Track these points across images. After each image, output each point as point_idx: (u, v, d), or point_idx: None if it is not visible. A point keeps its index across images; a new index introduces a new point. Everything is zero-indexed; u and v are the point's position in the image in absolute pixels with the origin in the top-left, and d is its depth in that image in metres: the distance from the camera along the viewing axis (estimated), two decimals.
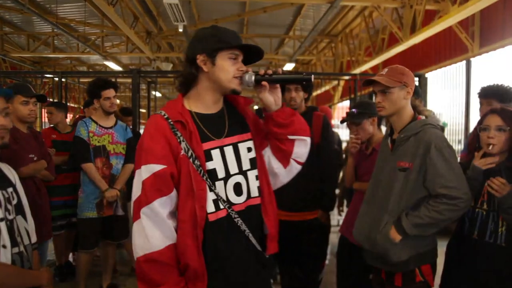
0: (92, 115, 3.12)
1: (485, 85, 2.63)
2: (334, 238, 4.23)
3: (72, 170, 3.27)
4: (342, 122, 2.66)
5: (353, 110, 2.45)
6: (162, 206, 1.24)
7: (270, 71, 1.37)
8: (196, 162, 1.27)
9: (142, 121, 6.30)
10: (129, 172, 3.13)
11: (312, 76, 1.43)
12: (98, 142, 3.01)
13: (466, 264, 1.86)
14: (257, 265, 1.39)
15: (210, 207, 1.29)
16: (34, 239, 1.56)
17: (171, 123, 1.29)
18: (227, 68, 1.33)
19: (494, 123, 1.76)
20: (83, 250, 3.05)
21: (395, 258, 1.73)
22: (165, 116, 1.30)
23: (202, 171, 1.27)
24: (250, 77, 1.36)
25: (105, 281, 3.27)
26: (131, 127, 4.15)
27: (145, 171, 1.25)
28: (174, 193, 1.27)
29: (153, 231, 1.23)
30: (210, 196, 1.29)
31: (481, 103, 2.65)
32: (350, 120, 2.45)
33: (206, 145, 1.32)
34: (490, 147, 1.75)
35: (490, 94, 2.56)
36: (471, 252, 1.85)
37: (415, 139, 1.72)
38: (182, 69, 1.41)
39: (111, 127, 3.11)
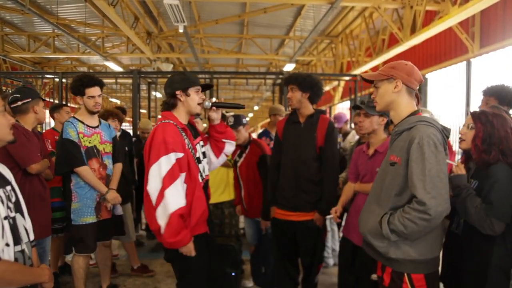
0: (76, 114, 2.92)
1: (491, 84, 2.68)
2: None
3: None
4: (354, 108, 2.65)
5: (370, 101, 2.44)
6: (182, 179, 1.99)
7: (217, 100, 2.28)
8: (192, 151, 2.09)
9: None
10: (120, 171, 3.05)
11: (244, 106, 2.30)
12: (89, 142, 2.85)
13: (444, 255, 1.99)
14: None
15: (201, 178, 2.14)
16: (32, 236, 1.57)
17: (179, 128, 2.06)
18: (195, 98, 2.12)
19: (467, 122, 1.95)
20: (81, 253, 2.87)
21: (381, 250, 1.71)
22: (174, 124, 2.06)
23: (195, 157, 2.12)
24: (208, 104, 2.21)
25: (104, 282, 3.24)
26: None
27: (174, 157, 1.96)
28: (185, 173, 2.00)
29: (184, 192, 1.99)
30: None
31: (482, 101, 2.69)
32: (365, 108, 2.44)
33: (195, 141, 2.16)
34: (461, 142, 1.96)
35: (489, 92, 2.62)
36: (446, 242, 1.96)
37: (407, 134, 1.65)
38: (168, 97, 2.13)
39: (97, 126, 2.94)
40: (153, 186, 1.92)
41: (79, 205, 2.81)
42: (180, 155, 1.97)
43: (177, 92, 2.09)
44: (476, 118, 1.88)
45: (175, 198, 1.92)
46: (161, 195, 1.90)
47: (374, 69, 8.94)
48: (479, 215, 1.74)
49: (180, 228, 1.91)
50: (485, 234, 1.76)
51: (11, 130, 1.56)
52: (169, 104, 2.13)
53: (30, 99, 2.74)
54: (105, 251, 3.15)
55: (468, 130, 1.91)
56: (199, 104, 2.14)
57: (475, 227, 1.80)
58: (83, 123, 2.85)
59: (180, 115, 2.14)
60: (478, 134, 1.85)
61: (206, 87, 2.29)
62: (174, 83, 2.12)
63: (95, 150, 2.87)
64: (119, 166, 3.05)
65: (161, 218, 1.90)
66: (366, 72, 8.74)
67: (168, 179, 1.91)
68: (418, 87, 1.77)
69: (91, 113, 2.88)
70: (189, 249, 1.99)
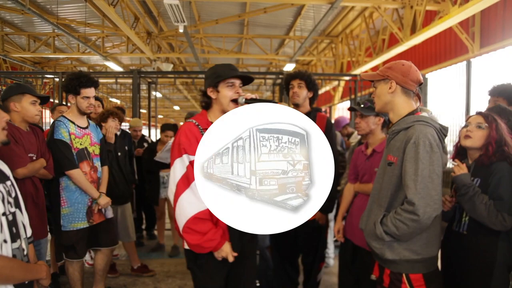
0: (66, 114, 2.79)
1: (495, 83, 2.67)
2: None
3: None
4: (350, 109, 2.67)
5: (366, 102, 2.46)
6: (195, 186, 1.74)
7: (252, 96, 1.88)
8: None
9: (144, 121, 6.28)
10: (107, 173, 2.98)
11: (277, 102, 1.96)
12: (81, 144, 2.72)
13: (446, 255, 2.01)
14: None
15: None
16: (29, 232, 1.57)
17: (201, 128, 1.85)
18: (226, 94, 1.87)
19: (475, 120, 1.93)
20: (73, 259, 2.76)
21: (377, 251, 1.72)
22: (196, 123, 1.88)
23: None
24: (242, 100, 1.86)
25: (97, 285, 3.10)
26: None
27: (186, 159, 1.80)
28: None
29: (200, 196, 1.68)
30: None
31: (489, 101, 2.67)
32: (359, 110, 2.46)
33: None
34: (466, 138, 1.92)
35: (497, 92, 2.59)
36: (448, 242, 1.98)
37: (404, 134, 1.65)
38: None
39: (87, 127, 2.83)
40: (170, 190, 1.85)
41: (70, 210, 2.69)
42: (193, 157, 1.76)
43: (208, 90, 1.90)
44: (490, 121, 1.90)
45: (191, 203, 1.76)
46: (176, 200, 1.80)
47: (374, 69, 8.95)
48: (489, 211, 1.76)
49: (203, 228, 1.75)
50: (492, 230, 1.78)
51: (5, 131, 1.55)
52: (205, 103, 1.95)
53: None
54: (109, 256, 3.04)
55: (479, 129, 1.91)
56: (233, 100, 1.87)
57: (481, 224, 1.81)
58: (74, 123, 2.73)
59: (215, 114, 1.90)
60: (494, 136, 1.87)
61: (247, 80, 1.96)
62: (205, 79, 1.95)
63: (85, 152, 2.75)
64: (106, 169, 2.98)
65: (180, 223, 1.79)
66: (366, 72, 8.75)
67: (182, 184, 1.78)
68: (417, 87, 1.76)
69: (83, 114, 2.78)
70: (225, 253, 1.80)
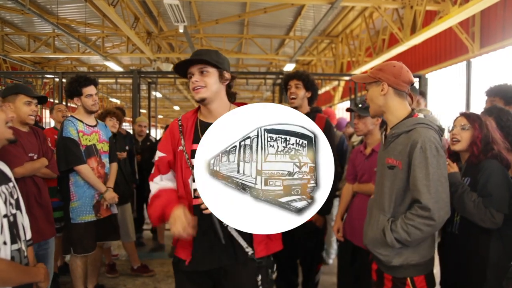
0: (74, 114, 2.94)
1: (493, 84, 2.68)
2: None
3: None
4: (347, 110, 2.68)
5: (363, 102, 2.46)
6: (159, 180, 1.73)
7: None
8: (186, 156, 1.66)
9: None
10: (116, 170, 3.09)
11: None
12: (89, 141, 2.89)
13: (442, 256, 2.05)
14: (216, 240, 1.62)
15: (193, 194, 1.65)
16: (29, 235, 1.57)
17: (180, 124, 1.74)
18: (190, 85, 1.68)
19: (459, 122, 1.98)
20: (79, 254, 2.86)
21: (383, 259, 1.69)
22: (178, 119, 1.77)
23: (190, 164, 1.64)
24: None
25: (91, 283, 3.17)
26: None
27: (156, 155, 1.76)
28: (169, 174, 1.74)
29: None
30: (193, 185, 1.62)
31: (486, 101, 2.67)
32: (357, 110, 2.47)
33: (195, 146, 1.63)
34: (455, 143, 1.98)
35: (494, 93, 2.60)
36: (443, 243, 2.01)
37: (406, 137, 1.62)
38: None
39: (95, 125, 2.99)
40: None
41: (78, 204, 2.82)
42: (161, 154, 1.74)
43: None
44: (472, 120, 1.94)
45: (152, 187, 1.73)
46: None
47: None
48: (478, 208, 1.78)
49: (154, 202, 1.67)
50: (483, 229, 1.79)
51: (10, 129, 1.55)
52: None
53: None
54: (97, 251, 3.07)
55: (464, 130, 1.95)
56: (193, 89, 1.67)
57: (472, 223, 1.83)
58: (82, 122, 2.89)
59: (201, 109, 1.77)
60: (478, 135, 1.90)
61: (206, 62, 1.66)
62: None
63: (94, 149, 2.90)
64: (115, 165, 3.11)
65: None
66: (366, 72, 8.73)
67: (151, 176, 1.76)
68: (409, 87, 1.72)
69: (90, 112, 2.92)
70: (174, 226, 1.53)
